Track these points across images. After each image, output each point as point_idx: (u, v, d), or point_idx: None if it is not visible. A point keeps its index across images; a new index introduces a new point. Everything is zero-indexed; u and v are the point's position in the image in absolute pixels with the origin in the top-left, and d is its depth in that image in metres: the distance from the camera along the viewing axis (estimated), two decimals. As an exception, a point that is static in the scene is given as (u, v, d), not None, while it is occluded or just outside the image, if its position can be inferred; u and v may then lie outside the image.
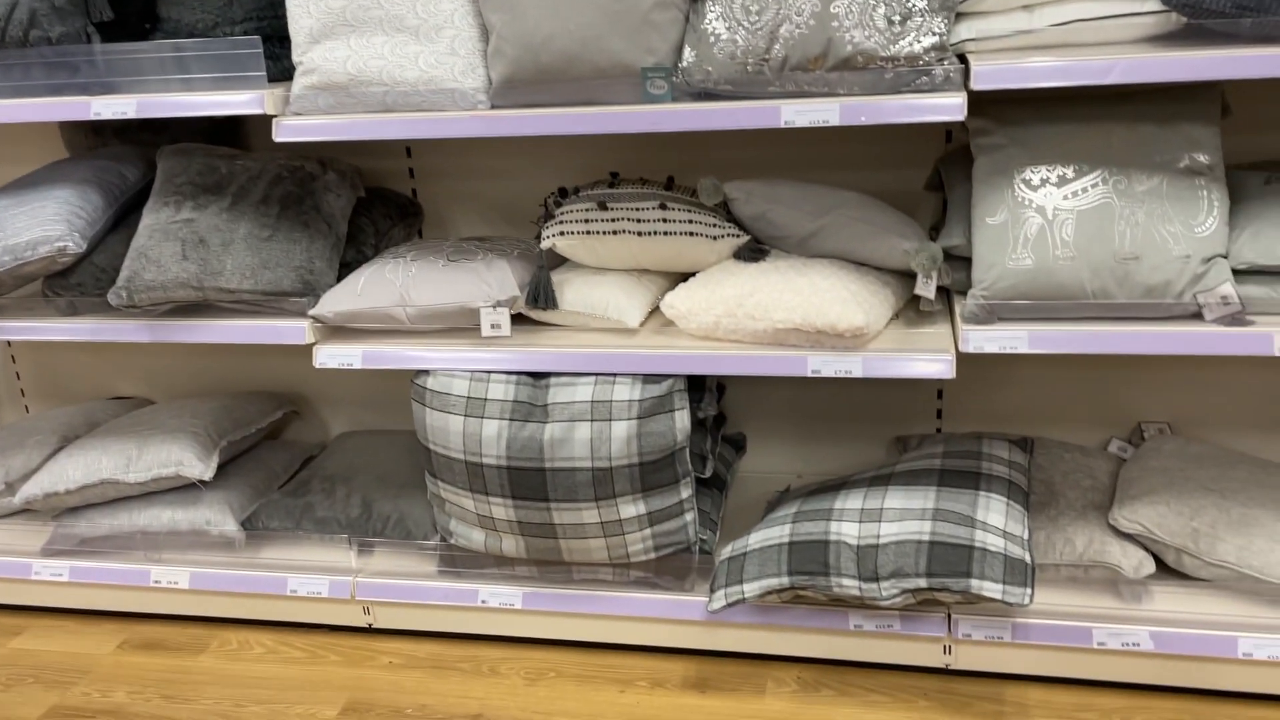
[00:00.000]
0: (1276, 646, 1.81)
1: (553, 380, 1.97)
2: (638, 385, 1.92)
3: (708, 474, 2.06)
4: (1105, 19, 1.71)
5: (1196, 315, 1.74)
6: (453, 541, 2.13)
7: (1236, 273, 1.73)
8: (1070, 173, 1.77)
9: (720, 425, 2.37)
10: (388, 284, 2.02)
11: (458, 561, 2.16)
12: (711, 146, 2.28)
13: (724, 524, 2.24)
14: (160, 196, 2.15)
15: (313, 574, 2.21)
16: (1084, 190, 1.76)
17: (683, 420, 1.93)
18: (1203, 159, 1.75)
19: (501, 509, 1.99)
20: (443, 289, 2.00)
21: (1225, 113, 1.82)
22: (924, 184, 2.18)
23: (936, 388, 2.38)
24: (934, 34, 1.68)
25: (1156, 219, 1.72)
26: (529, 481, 1.94)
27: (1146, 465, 2.09)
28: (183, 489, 2.32)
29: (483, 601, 2.13)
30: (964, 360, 1.80)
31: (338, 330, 2.11)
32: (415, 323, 2.03)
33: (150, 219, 2.12)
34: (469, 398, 1.96)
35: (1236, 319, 1.72)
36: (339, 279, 2.15)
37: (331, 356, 2.05)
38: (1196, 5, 1.62)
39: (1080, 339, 1.75)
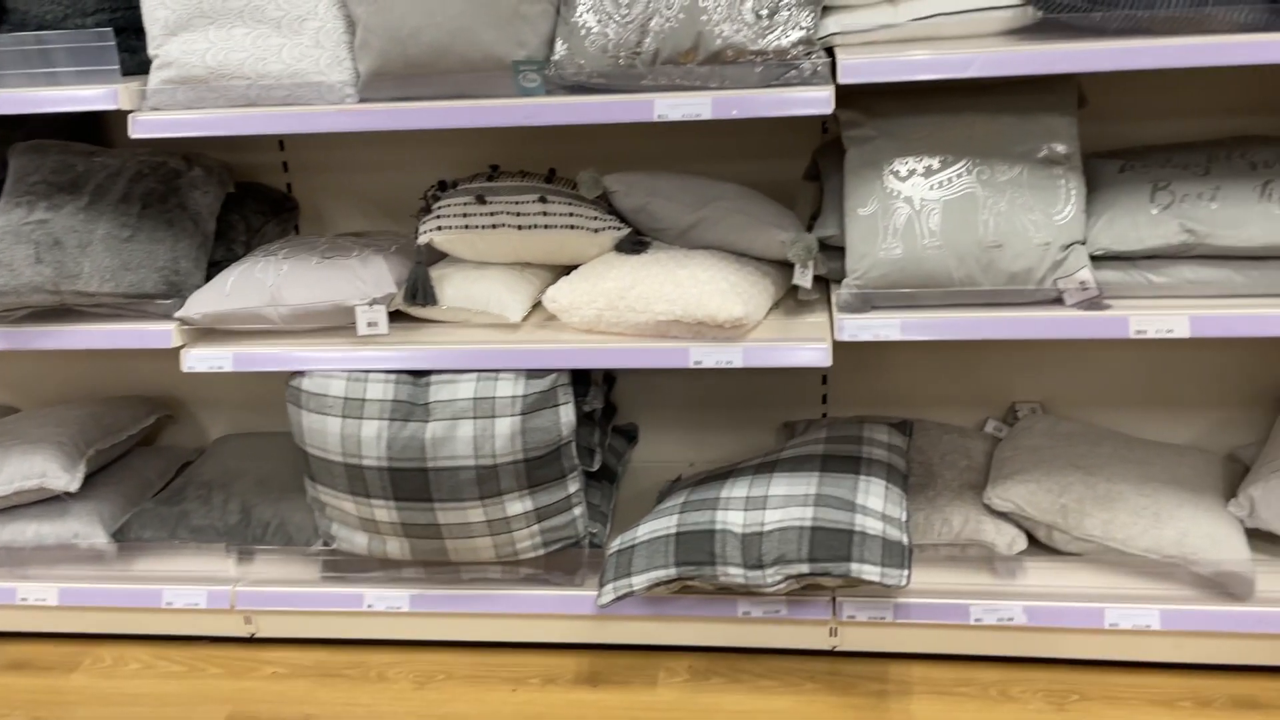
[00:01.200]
0: (1140, 616, 1.89)
1: (433, 378, 1.94)
2: (521, 381, 1.90)
3: (595, 467, 2.06)
4: (966, 13, 1.75)
5: (1058, 300, 1.80)
6: (335, 546, 2.08)
7: (1094, 258, 1.79)
8: (936, 164, 1.81)
9: (610, 417, 2.37)
10: (258, 283, 1.95)
11: (341, 566, 2.12)
12: (596, 138, 2.26)
13: (616, 516, 2.24)
14: (11, 197, 2.04)
15: (190, 584, 2.14)
16: (949, 181, 1.80)
17: (567, 415, 1.92)
18: (1060, 149, 1.81)
19: (384, 511, 1.95)
20: (316, 288, 1.94)
21: (1082, 103, 1.89)
22: (803, 174, 2.20)
23: (821, 374, 2.42)
24: (801, 28, 1.70)
25: (1018, 208, 1.78)
26: (411, 482, 1.91)
27: (1019, 445, 2.16)
28: (49, 501, 2.21)
29: (369, 606, 2.09)
30: (847, 346, 1.84)
31: (207, 332, 2.04)
32: (288, 323, 1.97)
33: (1, 221, 2.01)
34: (346, 399, 1.92)
35: (1095, 303, 1.78)
36: (208, 279, 2.08)
37: (201, 360, 1.98)
38: (1051, 0, 1.68)
39: (949, 325, 1.80)
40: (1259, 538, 1.95)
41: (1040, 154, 1.81)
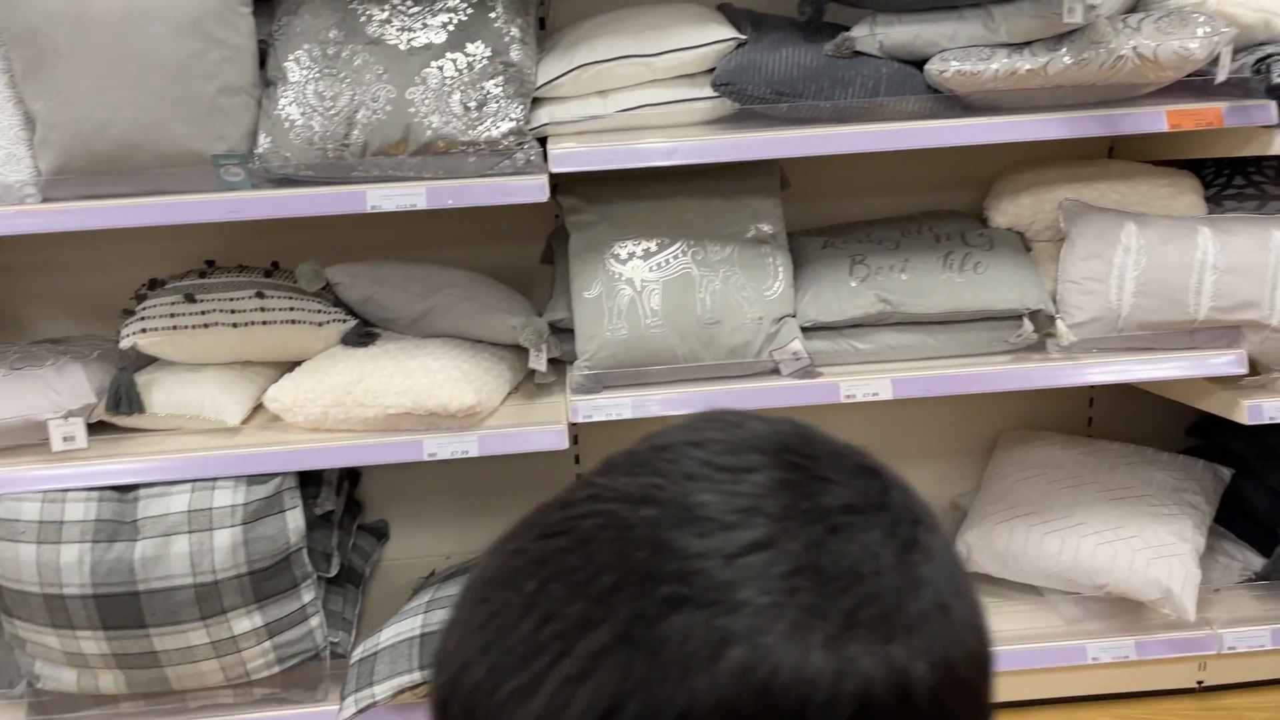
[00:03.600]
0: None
1: (142, 492, 1.80)
2: (241, 488, 1.79)
3: (333, 572, 1.96)
4: (670, 104, 1.84)
5: (775, 371, 1.89)
6: (41, 686, 1.87)
7: (805, 329, 1.90)
8: (654, 246, 1.87)
9: (355, 515, 2.27)
10: (-71, 402, 1.76)
11: (50, 707, 1.90)
12: (327, 227, 2.19)
13: (364, 621, 2.13)
14: None
15: None
16: (667, 262, 1.86)
17: (296, 520, 1.82)
18: (766, 229, 1.92)
19: (92, 643, 1.77)
20: (2, 403, 1.77)
21: (784, 186, 2.01)
22: (540, 257, 2.23)
23: (574, 452, 2.42)
24: (511, 119, 1.73)
25: (732, 285, 1.86)
26: (121, 608, 1.75)
27: (761, 510, 2.23)
28: None
29: (82, 750, 1.88)
30: (599, 423, 1.85)
31: (-126, 459, 1.81)
32: (-32, 444, 1.78)
33: None
34: (41, 522, 1.74)
35: (808, 372, 1.88)
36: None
37: None
38: (741, 92, 1.79)
39: (677, 401, 1.85)
40: (978, 581, 2.09)
41: (749, 234, 1.90)
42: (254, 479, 1.80)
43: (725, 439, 0.54)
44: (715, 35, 1.81)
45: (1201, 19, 1.67)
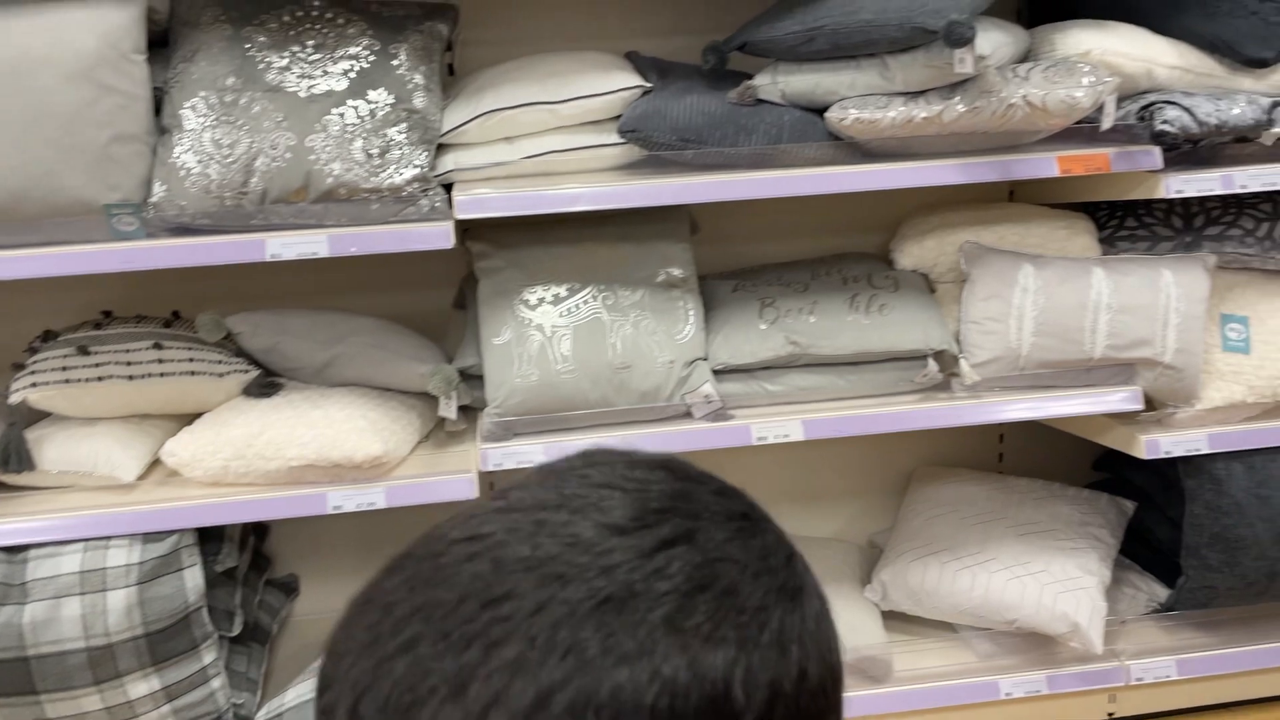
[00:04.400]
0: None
1: (32, 553, 1.72)
2: (136, 547, 1.73)
3: (236, 631, 1.89)
4: (578, 150, 1.84)
5: (687, 414, 1.89)
6: (-81, 762, 1.77)
7: (716, 372, 1.90)
8: (564, 291, 1.87)
9: (263, 570, 2.20)
10: None
11: (-71, 785, 1.80)
12: (226, 276, 2.15)
13: (271, 680, 2.06)
14: None
15: None
16: (577, 307, 1.86)
17: (195, 579, 1.76)
18: (677, 272, 1.92)
19: (-25, 714, 1.69)
20: (-123, 463, 1.69)
21: (695, 230, 2.03)
22: (452, 303, 2.21)
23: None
24: (415, 166, 1.72)
25: (642, 330, 1.86)
26: (10, 674, 1.67)
27: (679, 554, 2.22)
28: None
29: (-37, 829, 1.78)
30: (510, 471, 1.83)
31: None
32: None
33: None
34: (-81, 588, 1.66)
35: (720, 415, 1.89)
36: None
37: None
38: (647, 138, 1.80)
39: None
40: (895, 619, 2.10)
41: (659, 278, 1.91)
42: (150, 537, 1.74)
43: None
44: (621, 82, 1.82)
45: (1086, 69, 1.73)
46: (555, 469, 0.60)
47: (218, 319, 1.84)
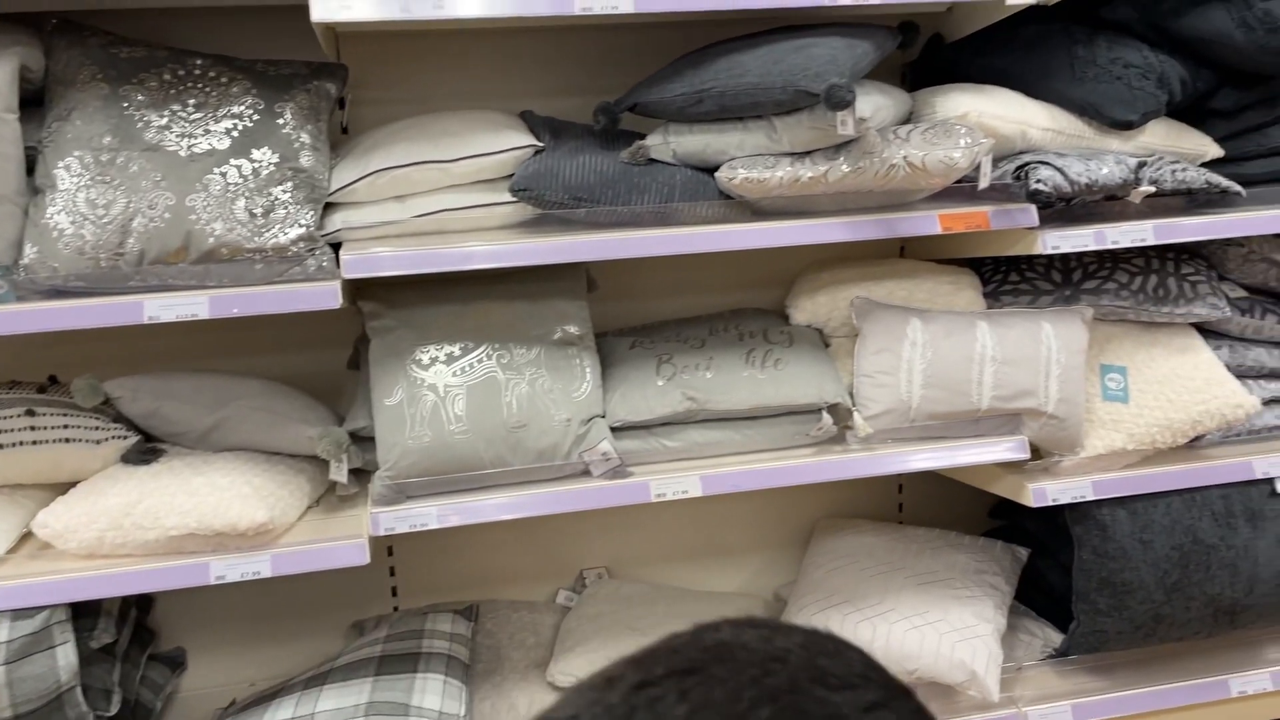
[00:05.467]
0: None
1: (-116, 636, 1.62)
2: (4, 624, 1.64)
3: (114, 710, 1.80)
4: (470, 208, 1.84)
5: (585, 472, 1.88)
6: None
7: (614, 429, 1.89)
8: (457, 350, 1.85)
9: (146, 644, 2.11)
10: None
11: None
12: (108, 339, 2.08)
13: (154, 761, 1.96)
14: None
15: None
16: (471, 366, 1.84)
17: (67, 656, 1.67)
18: (573, 330, 1.92)
19: None
20: None
21: (592, 287, 2.03)
22: (347, 363, 2.17)
23: (388, 565, 2.33)
24: (301, 225, 1.69)
25: (539, 388, 1.85)
26: None
27: (583, 614, 2.19)
28: None
29: None
30: (412, 533, 1.78)
31: None
32: None
33: None
34: None
35: (618, 472, 1.87)
36: None
37: None
38: (539, 197, 1.80)
39: (484, 509, 1.81)
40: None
41: (555, 335, 1.90)
42: (19, 613, 1.65)
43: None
44: (513, 142, 1.83)
45: (963, 131, 1.80)
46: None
47: (95, 383, 1.77)
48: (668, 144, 1.86)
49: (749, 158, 1.82)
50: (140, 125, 1.65)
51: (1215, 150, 2.03)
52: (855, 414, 1.93)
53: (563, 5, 1.69)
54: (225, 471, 1.77)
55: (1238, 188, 1.93)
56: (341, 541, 1.76)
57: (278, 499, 1.77)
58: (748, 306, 2.28)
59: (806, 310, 2.11)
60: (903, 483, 2.51)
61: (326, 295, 1.68)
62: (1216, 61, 1.98)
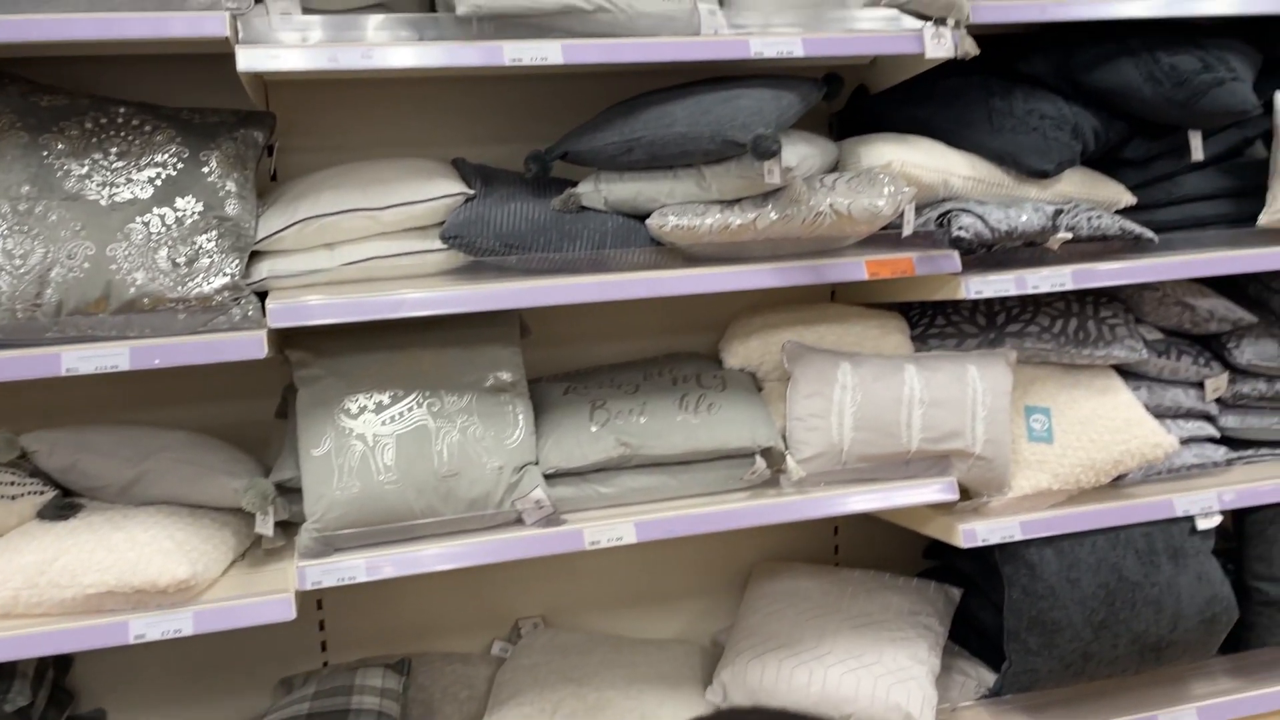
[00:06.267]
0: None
1: None
2: (-94, 692, 1.57)
3: (25, 779, 1.73)
4: (400, 256, 1.83)
5: (519, 521, 1.86)
6: None
7: (548, 476, 1.88)
8: (387, 399, 1.83)
9: (64, 706, 2.03)
10: None
11: None
12: (26, 391, 2.01)
13: (68, 830, 1.88)
14: None
15: None
16: (401, 415, 1.82)
17: (-26, 724, 1.61)
18: (506, 376, 1.91)
19: None
20: None
21: (525, 333, 2.03)
22: (275, 412, 2.13)
23: (318, 618, 2.28)
24: (226, 274, 1.67)
25: (470, 436, 1.83)
26: None
27: (519, 664, 2.16)
28: None
29: None
30: (342, 586, 1.74)
31: None
32: None
33: None
34: None
35: (551, 520, 1.86)
36: None
37: None
38: (471, 245, 1.81)
39: (414, 560, 1.78)
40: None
41: (488, 383, 1.89)
42: (-79, 680, 1.58)
43: None
44: (444, 189, 1.83)
45: (887, 179, 1.84)
46: None
47: (10, 437, 1.72)
48: (599, 192, 1.88)
49: (679, 205, 1.84)
50: (60, 174, 1.62)
51: (1128, 198, 2.10)
52: (788, 457, 1.95)
53: (492, 56, 1.71)
54: (146, 526, 1.72)
55: (1150, 234, 2.00)
56: (266, 597, 1.72)
57: (201, 553, 1.73)
58: (682, 351, 2.29)
59: (739, 354, 2.13)
60: (838, 525, 2.52)
61: (251, 345, 1.66)
62: (1127, 113, 2.06)
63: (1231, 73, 1.99)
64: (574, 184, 1.91)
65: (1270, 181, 2.09)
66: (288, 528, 1.90)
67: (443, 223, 1.84)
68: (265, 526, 1.80)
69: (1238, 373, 2.20)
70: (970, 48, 1.88)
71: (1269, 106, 2.10)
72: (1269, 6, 2.02)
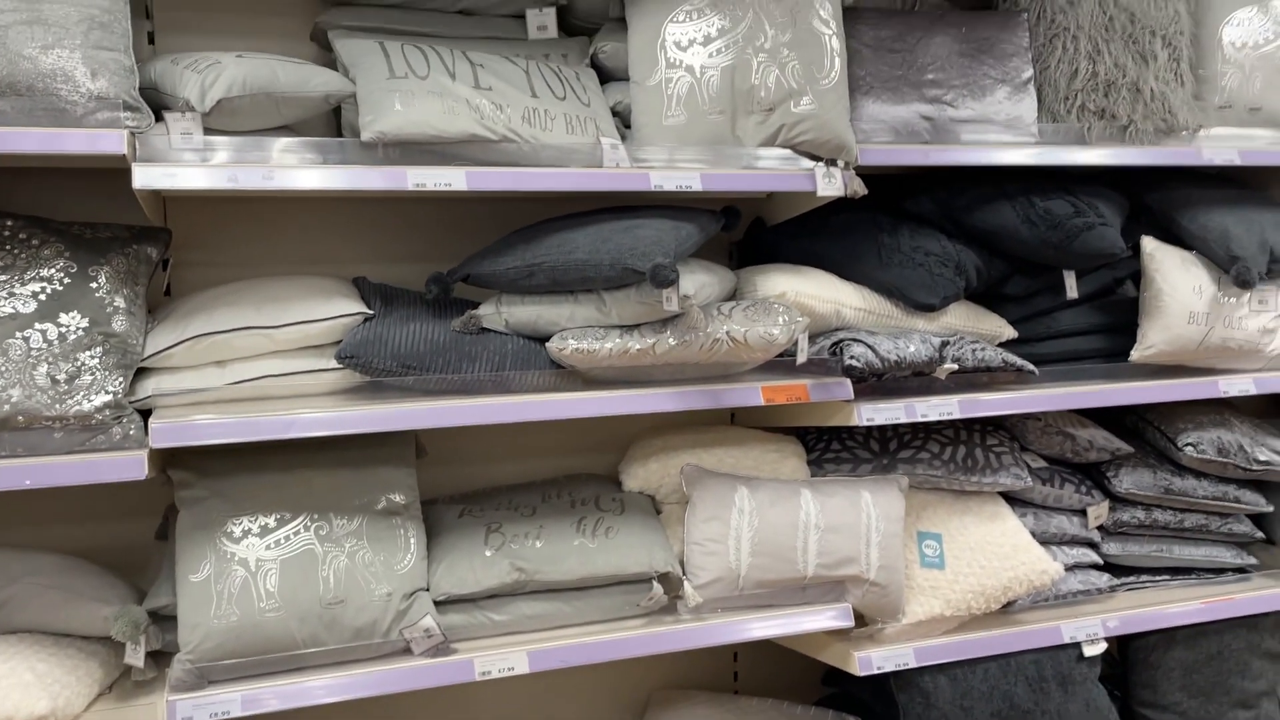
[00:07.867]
0: None
1: None
2: None
3: None
4: (293, 375, 1.80)
5: (407, 650, 1.80)
6: None
7: (438, 603, 1.83)
8: (272, 522, 1.77)
9: None
10: None
11: None
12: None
13: None
14: None
15: None
16: (286, 539, 1.76)
17: None
18: (399, 499, 1.87)
19: None
20: None
21: (421, 453, 2.00)
22: (155, 534, 2.03)
23: (191, 755, 2.13)
24: (108, 392, 1.62)
25: (359, 561, 1.78)
26: None
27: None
28: None
29: None
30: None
31: None
32: None
33: None
34: None
35: (441, 649, 1.80)
36: None
37: None
38: (367, 365, 1.79)
39: (295, 693, 1.70)
40: None
41: (379, 505, 1.85)
42: None
43: None
44: (341, 309, 1.82)
45: (781, 309, 1.90)
46: None
47: None
48: (500, 314, 1.89)
49: (580, 329, 1.87)
50: (-64, 286, 1.57)
51: (1010, 331, 2.20)
52: (686, 583, 1.94)
53: (397, 180, 1.73)
54: (6, 657, 1.62)
55: (1031, 366, 2.10)
56: (133, 734, 1.62)
57: (63, 686, 1.62)
58: (582, 472, 2.28)
59: (639, 477, 2.13)
60: (738, 651, 2.50)
61: (131, 466, 1.60)
62: (1007, 252, 2.17)
63: (1101, 218, 2.13)
64: (475, 305, 1.92)
65: (1141, 319, 2.22)
66: (161, 658, 1.80)
67: (339, 341, 1.82)
68: (136, 657, 1.70)
69: (1118, 501, 2.28)
70: (859, 187, 1.98)
71: (1137, 249, 2.24)
72: (1135, 159, 2.18)
